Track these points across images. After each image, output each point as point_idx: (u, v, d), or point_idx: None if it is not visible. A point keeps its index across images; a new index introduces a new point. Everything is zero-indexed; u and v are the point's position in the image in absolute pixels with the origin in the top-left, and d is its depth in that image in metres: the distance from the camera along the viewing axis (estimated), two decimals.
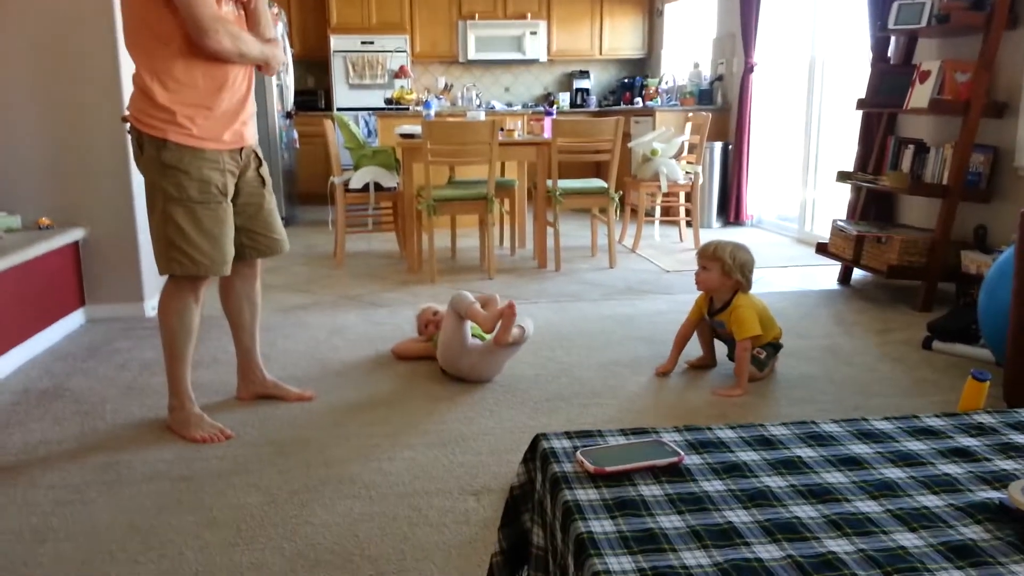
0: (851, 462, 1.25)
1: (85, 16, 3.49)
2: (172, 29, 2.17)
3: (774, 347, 2.89)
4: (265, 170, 2.52)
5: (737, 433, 1.34)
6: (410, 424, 2.49)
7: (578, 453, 1.22)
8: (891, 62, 4.34)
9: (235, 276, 2.54)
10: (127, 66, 3.58)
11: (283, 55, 2.37)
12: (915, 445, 1.31)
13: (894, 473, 1.21)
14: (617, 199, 4.85)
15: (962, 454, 1.28)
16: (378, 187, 5.02)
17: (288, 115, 6.79)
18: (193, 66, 2.22)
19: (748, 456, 1.26)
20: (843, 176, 4.35)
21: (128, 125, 2.30)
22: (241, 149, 2.39)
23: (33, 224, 3.54)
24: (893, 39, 4.33)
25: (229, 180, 2.34)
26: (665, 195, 5.57)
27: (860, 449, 1.30)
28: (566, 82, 8.76)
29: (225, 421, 2.49)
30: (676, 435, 1.34)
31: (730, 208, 6.39)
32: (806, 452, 1.28)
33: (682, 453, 1.23)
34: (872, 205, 4.47)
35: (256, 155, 2.48)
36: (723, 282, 2.78)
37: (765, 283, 4.37)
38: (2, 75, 3.49)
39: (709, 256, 2.79)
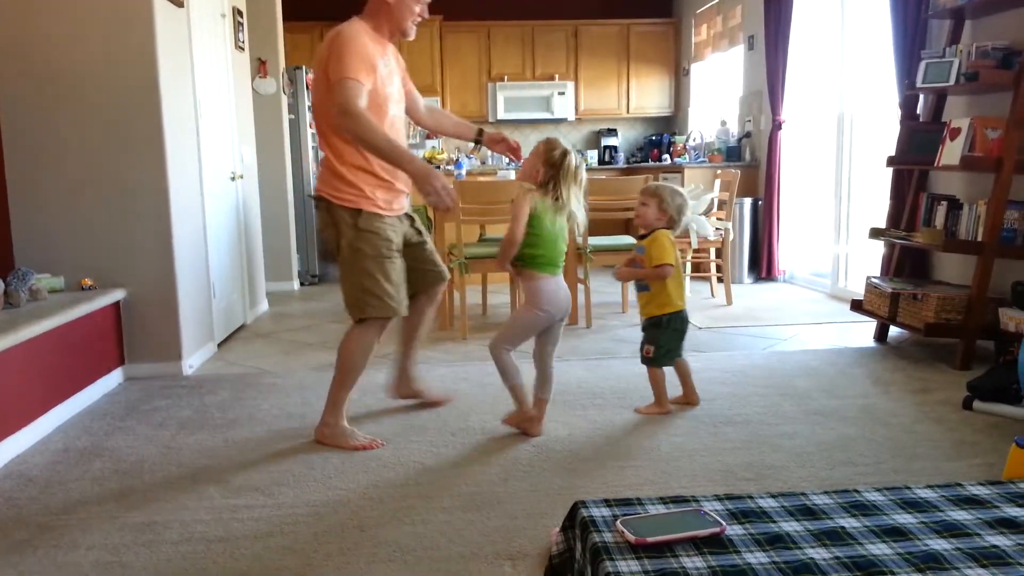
0: (895, 533, 1.23)
1: (129, 84, 3.63)
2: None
3: (656, 325, 3.09)
4: (419, 223, 3.10)
5: (779, 502, 1.33)
6: (444, 485, 2.49)
7: (618, 522, 1.22)
8: (920, 119, 4.36)
9: (413, 311, 3.05)
10: (170, 131, 3.72)
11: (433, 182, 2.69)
12: (960, 515, 1.29)
13: (939, 544, 1.19)
14: None
15: (1009, 525, 1.25)
16: None
17: None
18: (365, 152, 2.72)
19: (791, 526, 1.24)
20: (876, 233, 4.33)
21: (316, 199, 2.85)
22: (403, 214, 2.98)
23: (76, 285, 3.64)
24: (922, 96, 4.36)
25: (400, 239, 2.92)
26: (696, 251, 5.59)
27: (904, 519, 1.28)
28: (594, 140, 8.88)
29: (266, 474, 2.51)
30: (717, 504, 1.33)
31: (761, 263, 6.37)
32: (849, 522, 1.27)
33: (723, 523, 1.22)
34: (906, 261, 4.44)
35: (408, 215, 3.04)
36: (659, 217, 3.10)
37: (799, 341, 4.34)
38: (48, 139, 3.63)
39: (649, 193, 3.12)
